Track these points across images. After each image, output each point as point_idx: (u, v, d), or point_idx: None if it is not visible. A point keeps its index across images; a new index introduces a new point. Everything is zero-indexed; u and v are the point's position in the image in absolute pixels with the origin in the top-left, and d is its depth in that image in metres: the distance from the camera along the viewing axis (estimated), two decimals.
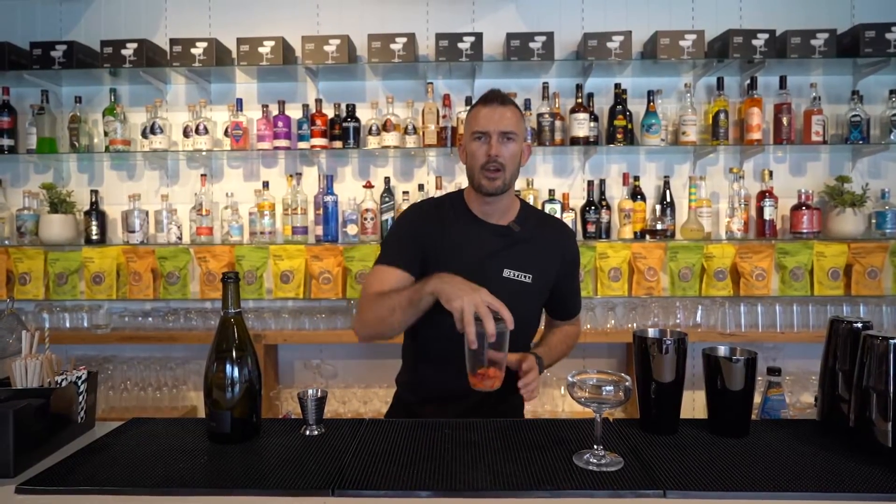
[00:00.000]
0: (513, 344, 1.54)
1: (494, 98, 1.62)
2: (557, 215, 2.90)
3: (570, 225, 2.92)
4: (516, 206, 1.72)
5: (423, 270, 1.62)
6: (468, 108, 2.92)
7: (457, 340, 1.46)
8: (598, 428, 1.21)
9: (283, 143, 2.97)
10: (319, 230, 2.98)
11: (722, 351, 1.40)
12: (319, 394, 1.41)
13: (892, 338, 1.21)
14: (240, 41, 2.87)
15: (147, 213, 3.05)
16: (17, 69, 2.91)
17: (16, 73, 2.92)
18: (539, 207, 2.94)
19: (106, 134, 3.00)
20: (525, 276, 1.64)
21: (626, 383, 1.19)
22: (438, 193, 2.98)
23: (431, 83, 2.98)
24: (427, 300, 1.46)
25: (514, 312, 1.45)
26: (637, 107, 2.99)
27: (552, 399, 2.88)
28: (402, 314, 1.51)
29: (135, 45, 2.86)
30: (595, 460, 1.19)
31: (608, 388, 1.19)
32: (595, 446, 1.21)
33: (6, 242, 3.06)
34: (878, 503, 1.08)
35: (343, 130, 2.94)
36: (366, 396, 2.83)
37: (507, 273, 1.63)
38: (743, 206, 2.92)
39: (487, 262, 1.64)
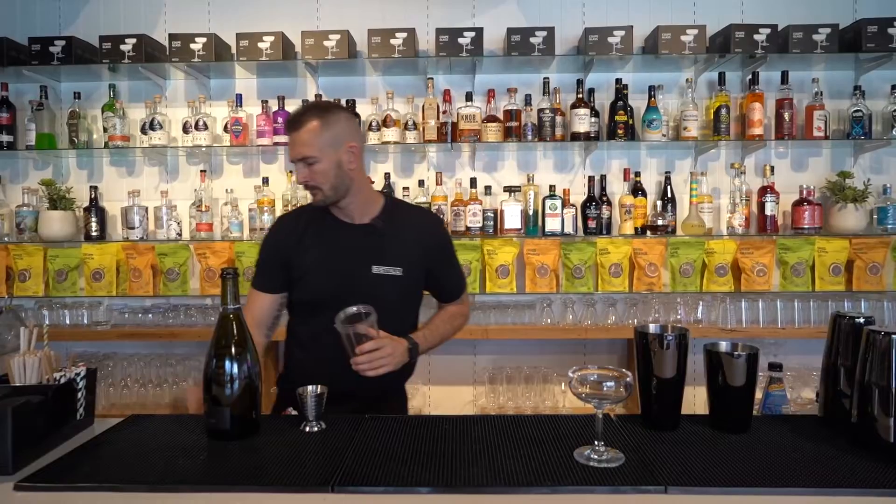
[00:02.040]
0: (392, 333, 1.65)
1: (290, 125, 1.67)
2: (558, 211, 2.90)
3: (570, 221, 2.92)
4: (379, 204, 1.78)
5: (296, 278, 1.74)
6: (468, 103, 2.91)
7: (336, 337, 1.55)
8: (599, 424, 1.21)
9: (282, 138, 2.96)
10: None
11: (723, 346, 1.39)
12: (319, 390, 1.41)
13: (894, 333, 1.21)
14: (239, 36, 2.86)
15: (147, 209, 3.04)
16: (16, 65, 2.90)
17: (14, 69, 2.90)
18: (539, 204, 2.94)
19: (105, 130, 3.00)
20: (395, 270, 1.72)
21: (627, 379, 1.19)
22: (439, 189, 2.97)
23: (432, 78, 2.97)
24: None
25: (389, 305, 1.63)
26: (638, 102, 2.98)
27: (553, 395, 2.88)
28: None
29: (134, 41, 2.85)
30: (596, 456, 1.18)
31: (609, 383, 1.18)
32: (596, 442, 1.20)
33: (5, 239, 3.05)
34: (879, 498, 1.07)
35: None
36: None
37: (376, 269, 1.71)
38: (744, 201, 2.91)
39: (355, 261, 1.71)
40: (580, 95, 2.92)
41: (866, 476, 1.12)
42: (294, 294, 1.77)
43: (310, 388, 1.41)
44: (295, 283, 1.75)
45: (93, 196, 3.03)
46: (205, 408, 1.35)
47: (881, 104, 2.95)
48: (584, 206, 2.97)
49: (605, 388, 1.18)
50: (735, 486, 1.09)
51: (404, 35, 2.82)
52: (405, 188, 3.01)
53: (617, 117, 2.89)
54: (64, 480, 1.14)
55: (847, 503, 1.07)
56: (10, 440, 1.17)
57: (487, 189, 3.00)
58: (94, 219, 3.01)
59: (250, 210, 3.00)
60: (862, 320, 1.35)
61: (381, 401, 1.73)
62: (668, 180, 2.99)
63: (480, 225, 2.93)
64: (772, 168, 2.94)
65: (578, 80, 2.93)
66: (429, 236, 1.80)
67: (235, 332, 1.35)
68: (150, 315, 2.98)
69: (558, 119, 2.92)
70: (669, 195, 2.97)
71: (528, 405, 2.84)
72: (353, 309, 1.54)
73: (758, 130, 2.86)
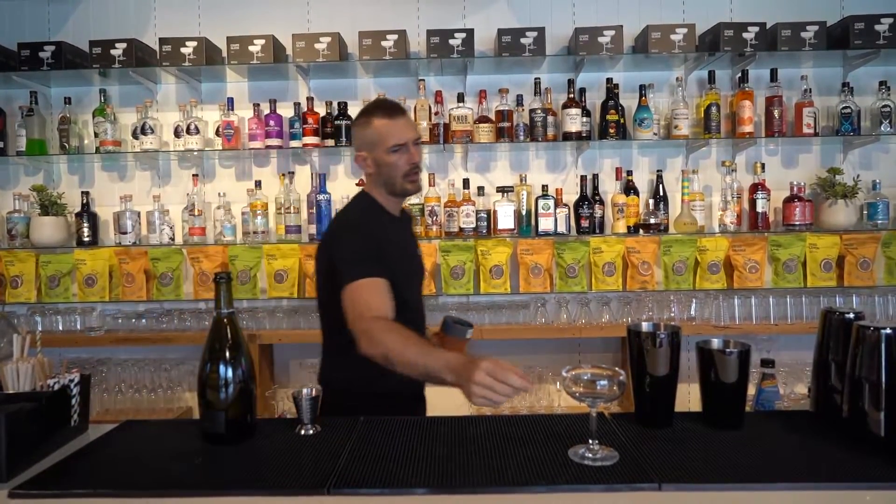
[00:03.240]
0: (419, 318, 1.83)
1: (392, 110, 1.74)
2: (551, 211, 2.91)
3: (563, 220, 2.94)
4: None
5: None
6: (460, 104, 2.92)
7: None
8: (593, 422, 1.21)
9: (274, 141, 2.96)
10: (313, 229, 2.97)
11: (715, 343, 1.40)
12: (314, 393, 1.41)
13: (884, 328, 1.22)
14: (230, 40, 2.85)
15: (139, 213, 3.03)
16: (5, 70, 2.89)
17: (4, 75, 2.89)
18: (532, 204, 2.95)
19: (96, 135, 2.98)
20: (419, 251, 1.94)
21: (621, 378, 1.20)
22: (432, 190, 2.97)
23: (423, 80, 2.97)
24: (445, 381, 1.40)
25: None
26: (629, 101, 2.99)
27: (548, 395, 2.88)
28: (408, 374, 1.45)
29: (124, 45, 2.84)
30: (590, 455, 1.19)
31: (602, 382, 1.19)
32: (590, 441, 1.21)
33: None
34: (871, 492, 1.08)
35: (335, 128, 2.93)
36: None
37: (418, 251, 1.92)
38: (735, 198, 2.93)
39: (411, 247, 1.89)
40: (571, 95, 2.93)
41: (858, 470, 1.13)
42: None
43: (304, 390, 1.41)
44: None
45: (84, 201, 3.01)
46: (200, 412, 1.35)
47: (869, 100, 2.97)
48: (577, 205, 2.98)
49: (598, 387, 1.19)
50: (729, 483, 1.09)
51: (395, 37, 2.82)
52: None
53: (608, 117, 2.90)
54: (59, 487, 1.14)
55: (839, 497, 1.08)
56: (3, 447, 1.17)
57: (480, 190, 3.00)
58: (86, 224, 3.00)
59: (243, 213, 3.00)
60: (852, 315, 1.35)
61: (421, 400, 1.88)
62: (659, 179, 3.00)
63: (474, 225, 2.93)
64: (762, 165, 2.96)
65: (569, 80, 2.94)
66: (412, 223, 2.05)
67: (229, 335, 1.35)
68: (143, 320, 2.97)
69: (550, 119, 2.93)
70: (661, 193, 2.99)
71: (524, 405, 2.84)
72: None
73: (748, 128, 2.87)
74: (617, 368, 1.22)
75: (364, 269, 1.60)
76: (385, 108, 1.73)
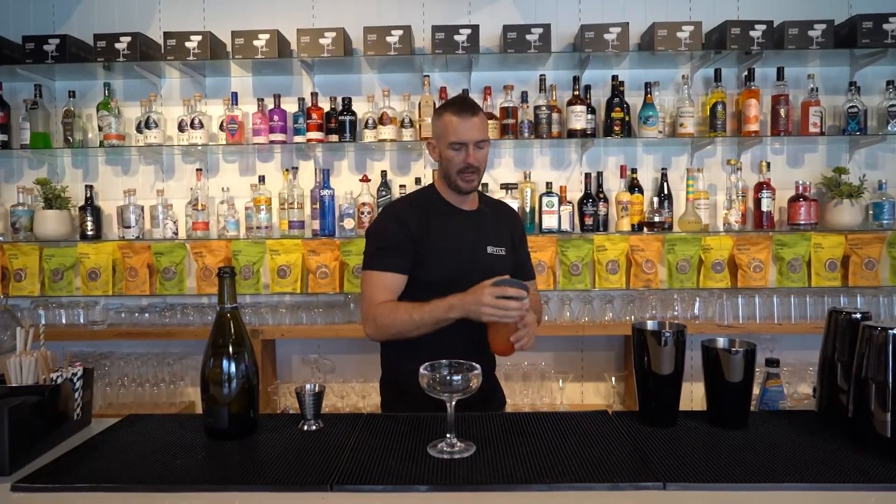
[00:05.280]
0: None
1: (463, 108, 1.76)
2: (555, 208, 2.90)
3: (567, 218, 2.93)
4: (476, 193, 1.93)
5: (423, 261, 1.76)
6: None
7: (458, 327, 1.65)
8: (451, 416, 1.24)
9: (278, 137, 2.96)
10: (316, 224, 2.97)
11: (720, 343, 1.39)
12: (317, 389, 1.41)
13: (891, 328, 1.21)
14: (234, 34, 2.84)
15: (142, 208, 3.03)
16: (10, 63, 2.88)
17: (8, 68, 2.89)
18: (536, 202, 2.94)
19: (100, 129, 2.98)
20: (500, 251, 1.88)
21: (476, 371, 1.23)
22: None
23: (428, 76, 2.97)
24: (453, 318, 1.62)
25: None
26: (634, 99, 2.98)
27: (550, 392, 2.88)
28: (426, 329, 1.66)
29: (128, 39, 2.84)
30: (448, 448, 1.22)
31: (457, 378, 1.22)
32: (447, 434, 1.24)
33: (0, 239, 3.04)
34: (877, 493, 1.08)
35: (339, 124, 2.93)
36: (364, 391, 2.82)
37: (490, 250, 1.85)
38: (740, 197, 2.92)
39: (474, 243, 1.83)
40: (576, 92, 2.92)
41: (863, 471, 1.13)
42: (420, 276, 1.76)
43: (308, 386, 1.41)
44: (421, 266, 1.77)
45: (88, 195, 3.01)
46: (203, 407, 1.35)
47: (876, 100, 2.95)
48: (581, 202, 2.97)
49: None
50: (733, 483, 1.09)
51: (400, 32, 2.81)
52: (402, 186, 3.00)
53: (613, 114, 2.89)
54: (61, 481, 1.14)
55: (844, 498, 1.07)
56: (6, 441, 1.17)
57: (484, 187, 3.00)
58: (89, 218, 3.00)
59: (247, 208, 2.99)
60: (858, 316, 1.35)
61: (492, 392, 1.91)
62: (664, 177, 2.99)
63: None
64: (768, 164, 2.95)
65: (575, 78, 2.93)
66: (513, 225, 1.99)
67: (233, 331, 1.35)
68: (146, 314, 2.97)
69: (555, 116, 2.92)
70: (666, 192, 2.98)
71: (526, 402, 2.84)
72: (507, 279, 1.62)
73: (754, 127, 2.86)
74: (473, 363, 1.25)
75: (374, 261, 1.76)
76: (458, 105, 1.78)
